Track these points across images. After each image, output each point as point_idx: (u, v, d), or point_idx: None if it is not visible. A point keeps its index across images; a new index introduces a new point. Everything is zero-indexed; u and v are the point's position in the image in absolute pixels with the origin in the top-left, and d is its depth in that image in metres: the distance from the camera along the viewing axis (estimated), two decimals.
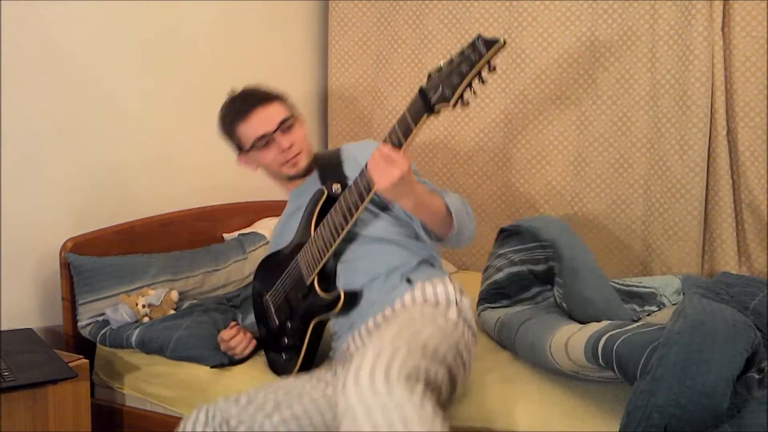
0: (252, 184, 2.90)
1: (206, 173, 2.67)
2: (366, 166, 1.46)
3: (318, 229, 1.61)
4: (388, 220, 1.67)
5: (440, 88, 1.31)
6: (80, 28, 2.18)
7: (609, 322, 1.65)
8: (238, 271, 2.45)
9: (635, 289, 2.08)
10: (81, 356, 1.80)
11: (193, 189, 2.61)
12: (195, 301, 2.17)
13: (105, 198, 2.28)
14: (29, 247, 2.07)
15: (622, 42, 2.53)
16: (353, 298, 1.61)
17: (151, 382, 1.97)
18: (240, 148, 1.74)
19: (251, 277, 2.51)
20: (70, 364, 1.71)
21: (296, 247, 1.70)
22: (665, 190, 2.50)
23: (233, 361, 1.86)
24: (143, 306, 2.02)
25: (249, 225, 2.72)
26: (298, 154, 1.68)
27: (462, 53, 1.29)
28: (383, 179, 1.39)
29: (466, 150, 2.87)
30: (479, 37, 1.27)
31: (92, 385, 2.00)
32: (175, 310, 2.10)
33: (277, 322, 1.75)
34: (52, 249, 2.08)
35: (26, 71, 2.03)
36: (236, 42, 2.76)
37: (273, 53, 2.95)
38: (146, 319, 2.03)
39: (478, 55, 1.26)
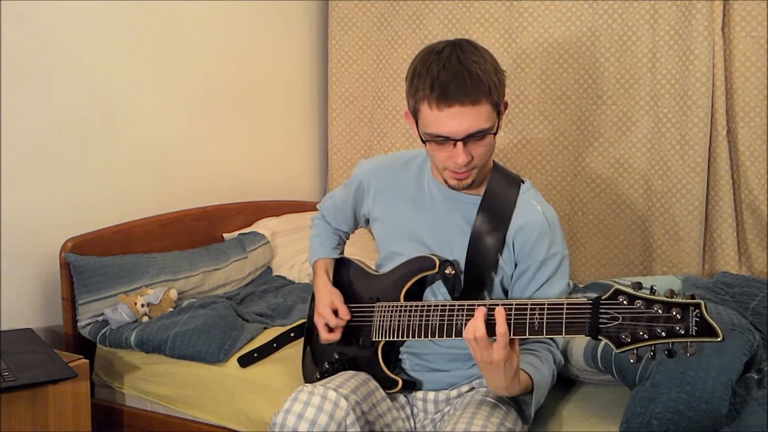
0: (252, 184, 2.92)
1: (206, 173, 2.68)
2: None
3: (407, 305, 1.43)
4: None
5: (619, 326, 1.13)
6: (80, 28, 2.18)
7: None
8: (238, 270, 2.45)
9: None
10: (81, 356, 1.81)
11: (193, 189, 2.61)
12: (194, 300, 2.17)
13: (105, 198, 2.28)
14: (29, 247, 2.07)
15: (622, 42, 2.53)
16: (410, 387, 1.52)
17: (151, 382, 1.97)
18: (414, 114, 1.41)
19: (251, 277, 2.53)
20: (70, 364, 1.72)
21: (381, 291, 1.52)
22: (665, 190, 2.49)
23: (257, 356, 1.87)
24: (142, 305, 2.02)
25: (249, 225, 2.73)
26: (470, 170, 1.37)
27: (670, 309, 1.09)
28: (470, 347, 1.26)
29: None
30: (699, 311, 1.07)
31: (92, 385, 2.00)
32: (174, 308, 2.10)
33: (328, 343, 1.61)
34: (52, 249, 2.08)
35: (26, 71, 2.03)
36: (236, 42, 2.76)
37: (273, 53, 2.95)
38: (145, 319, 2.03)
39: (683, 331, 1.08)
